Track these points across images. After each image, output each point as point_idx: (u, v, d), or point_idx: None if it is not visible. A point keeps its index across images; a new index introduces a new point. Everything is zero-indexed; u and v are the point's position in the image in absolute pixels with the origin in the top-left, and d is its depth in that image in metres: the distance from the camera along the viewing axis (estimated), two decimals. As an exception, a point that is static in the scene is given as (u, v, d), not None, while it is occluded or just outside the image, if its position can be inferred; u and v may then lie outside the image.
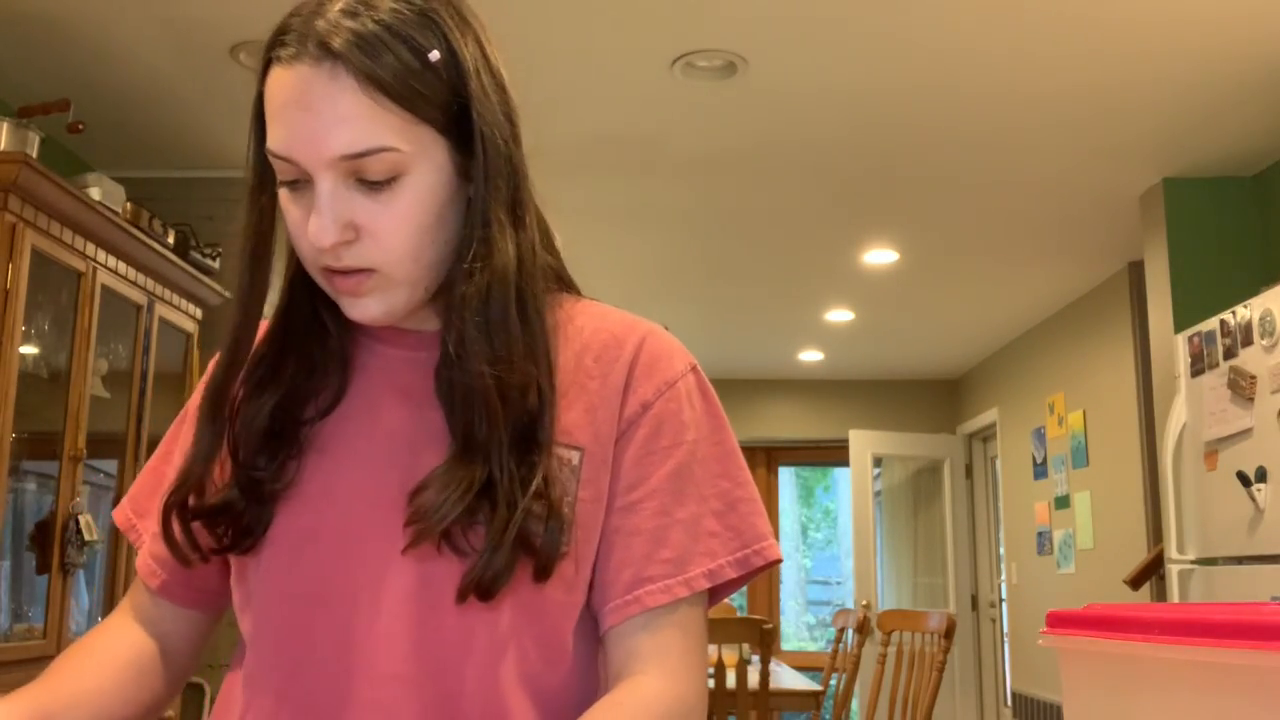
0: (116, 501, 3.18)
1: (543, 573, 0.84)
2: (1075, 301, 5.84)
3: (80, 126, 3.16)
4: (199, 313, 3.70)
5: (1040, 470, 6.31)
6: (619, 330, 0.94)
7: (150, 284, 3.34)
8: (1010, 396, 6.85)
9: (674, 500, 0.89)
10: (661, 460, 0.89)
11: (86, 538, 2.88)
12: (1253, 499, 3.04)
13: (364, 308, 0.86)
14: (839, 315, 6.22)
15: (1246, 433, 3.07)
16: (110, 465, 3.23)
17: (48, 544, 2.82)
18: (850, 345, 6.92)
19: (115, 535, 3.18)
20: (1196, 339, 3.37)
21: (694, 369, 0.95)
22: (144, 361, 3.33)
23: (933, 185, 4.28)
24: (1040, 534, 6.27)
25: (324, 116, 0.80)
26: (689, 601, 0.87)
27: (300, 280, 0.92)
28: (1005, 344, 6.92)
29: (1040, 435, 6.32)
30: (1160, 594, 4.41)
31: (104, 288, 3.05)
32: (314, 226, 0.81)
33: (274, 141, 0.82)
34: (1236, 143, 3.87)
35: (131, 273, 3.22)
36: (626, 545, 0.88)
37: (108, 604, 3.15)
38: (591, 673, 0.91)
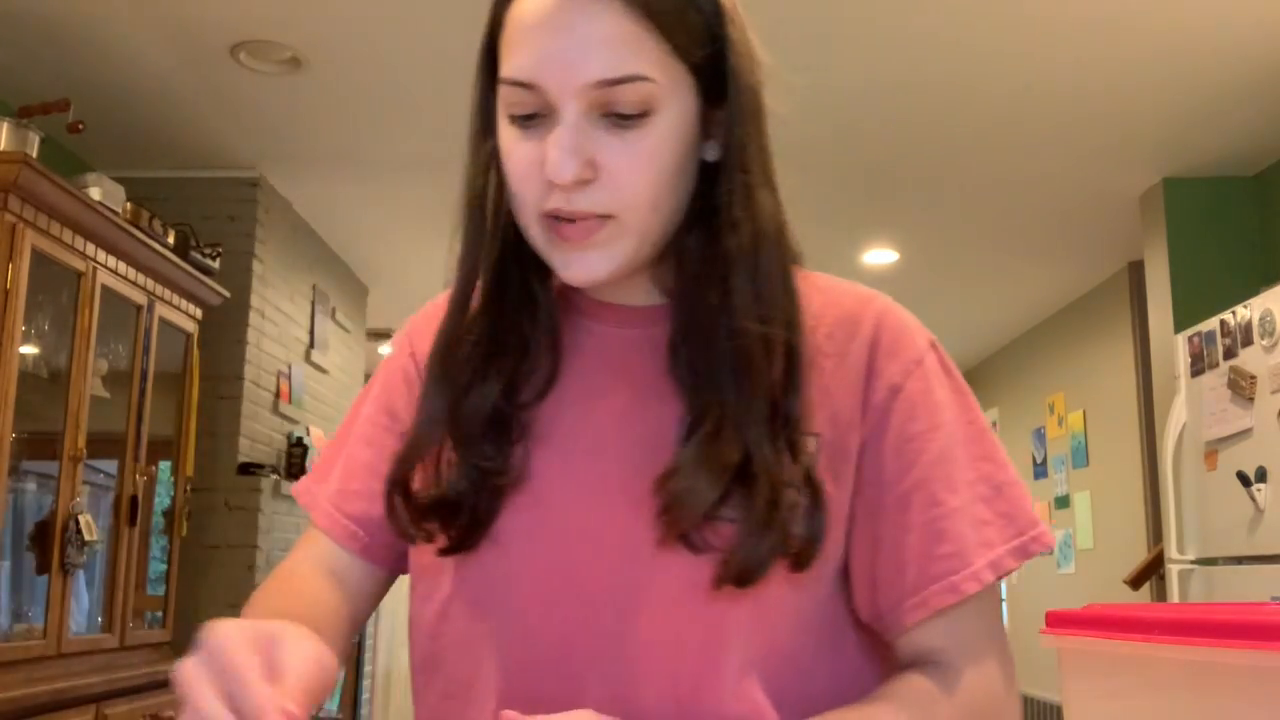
0: (116, 501, 3.19)
1: (802, 562, 0.78)
2: (1075, 301, 5.84)
3: (80, 126, 3.16)
4: (199, 313, 3.70)
5: (1040, 470, 6.31)
6: (851, 304, 0.86)
7: (150, 284, 3.34)
8: (1010, 396, 6.85)
9: (943, 488, 0.81)
10: (921, 447, 0.82)
11: (86, 538, 2.88)
12: (1253, 499, 3.04)
13: (587, 264, 0.79)
14: (839, 315, 6.21)
15: (1246, 433, 3.07)
16: (110, 465, 3.23)
17: (48, 544, 2.82)
18: (850, 345, 6.92)
19: (115, 535, 3.18)
20: (1196, 339, 3.37)
21: (934, 344, 0.87)
22: (144, 361, 3.33)
23: (933, 185, 4.28)
24: (1040, 534, 6.27)
25: (583, 38, 0.74)
26: (979, 593, 0.80)
27: (512, 247, 0.84)
28: (1005, 344, 6.92)
29: (1040, 435, 6.32)
30: (1160, 594, 4.41)
31: (104, 288, 3.05)
32: (554, 159, 0.75)
33: (517, 67, 0.77)
34: (1236, 143, 3.87)
35: (131, 273, 3.21)
36: (901, 543, 0.81)
37: (108, 604, 3.15)
38: (836, 668, 0.84)
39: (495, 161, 0.82)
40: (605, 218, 0.77)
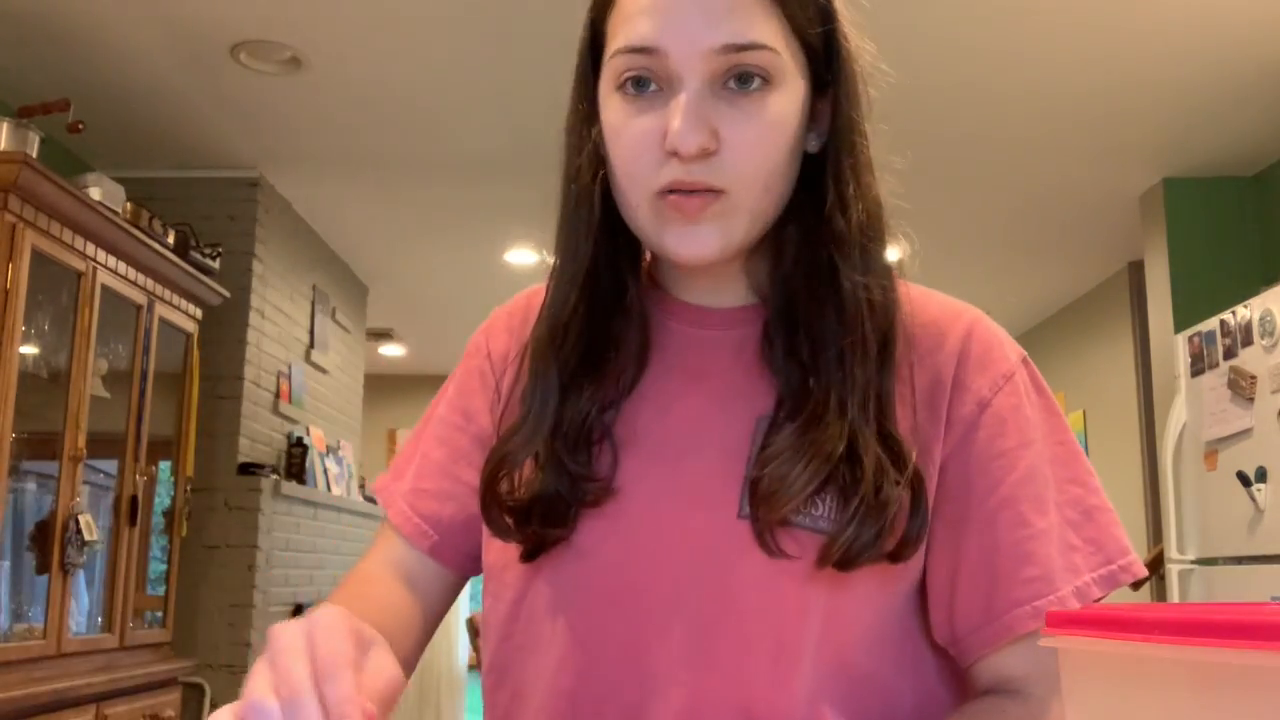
0: (116, 501, 3.19)
1: (903, 553, 0.76)
2: (1075, 301, 5.84)
3: (80, 126, 3.16)
4: (199, 312, 3.70)
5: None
6: (940, 316, 0.85)
7: (150, 284, 3.34)
8: (1010, 396, 6.86)
9: (1031, 509, 0.78)
10: (1009, 466, 0.79)
11: (86, 538, 2.88)
12: (1253, 499, 3.04)
13: (700, 239, 0.76)
14: (839, 315, 6.22)
15: (1246, 433, 3.07)
16: (110, 465, 3.23)
17: (48, 544, 2.82)
18: (850, 345, 6.93)
19: (115, 535, 3.18)
20: (1196, 339, 3.37)
21: (1026, 360, 0.84)
22: (144, 361, 3.33)
23: (933, 185, 4.28)
24: (1040, 534, 6.28)
25: (709, 5, 0.74)
26: None
27: (605, 239, 0.82)
28: (1005, 344, 6.92)
29: (1040, 435, 6.32)
30: (1160, 594, 4.41)
31: (104, 288, 3.05)
32: (678, 128, 0.73)
33: (639, 35, 0.75)
34: (1236, 143, 3.87)
35: (131, 273, 3.21)
36: (985, 562, 0.78)
37: (108, 604, 3.15)
38: (921, 691, 0.81)
39: (598, 148, 0.80)
40: (719, 192, 0.76)
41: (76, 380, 2.93)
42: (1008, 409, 0.81)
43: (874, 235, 0.80)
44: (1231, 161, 4.03)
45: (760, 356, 0.81)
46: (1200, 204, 4.16)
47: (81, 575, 3.01)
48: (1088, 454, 5.22)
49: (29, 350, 2.83)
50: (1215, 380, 3.23)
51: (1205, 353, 3.31)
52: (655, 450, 0.81)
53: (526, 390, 0.84)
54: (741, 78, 0.75)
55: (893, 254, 0.87)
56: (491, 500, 0.82)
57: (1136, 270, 5.05)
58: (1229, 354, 3.17)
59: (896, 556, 0.76)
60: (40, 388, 2.87)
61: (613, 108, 0.78)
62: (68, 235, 2.87)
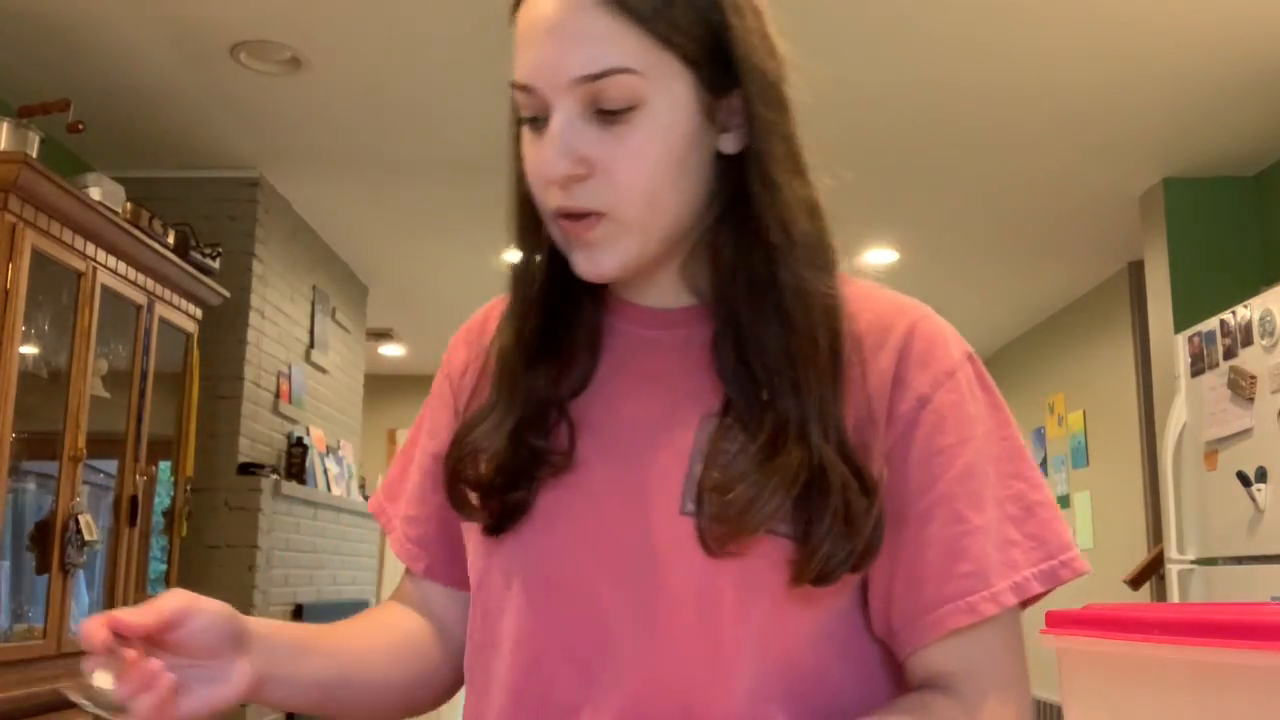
0: (116, 501, 3.19)
1: (863, 564, 0.76)
2: (1075, 301, 5.84)
3: (80, 126, 3.16)
4: (199, 313, 3.70)
5: (1040, 470, 6.31)
6: (885, 312, 0.85)
7: (150, 284, 3.34)
8: (1010, 396, 6.83)
9: (968, 505, 0.79)
10: (949, 461, 0.79)
11: (86, 538, 2.88)
12: (1253, 499, 3.04)
13: (595, 260, 0.80)
14: (839, 315, 6.21)
15: (1246, 433, 3.07)
16: (110, 465, 3.23)
17: (48, 544, 2.82)
18: (850, 345, 6.92)
19: (115, 535, 3.18)
20: (1196, 339, 3.37)
21: (971, 357, 0.85)
22: (144, 361, 3.33)
23: (933, 185, 4.28)
24: (1040, 534, 6.28)
25: (565, 38, 0.76)
26: (999, 618, 0.78)
27: (557, 253, 0.85)
28: (1005, 344, 6.92)
29: (1040, 435, 6.32)
30: (1160, 594, 4.41)
31: (104, 288, 3.05)
32: (545, 157, 0.77)
33: (517, 71, 0.79)
34: (1236, 143, 3.87)
35: (131, 273, 3.21)
36: (920, 558, 0.78)
37: (108, 604, 3.14)
38: (869, 687, 0.82)
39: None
40: (601, 215, 0.78)
41: (76, 380, 2.93)
42: (948, 406, 0.81)
43: (807, 236, 0.80)
44: (1231, 161, 4.03)
45: (707, 358, 0.83)
46: (1200, 204, 4.16)
47: (81, 575, 3.01)
48: (1088, 453, 5.17)
49: (29, 350, 2.82)
50: (1215, 380, 3.23)
51: (1205, 353, 3.31)
52: (605, 444, 0.83)
53: (492, 384, 0.87)
54: (606, 103, 0.77)
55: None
56: (456, 479, 0.85)
57: (1136, 270, 5.05)
58: (1229, 354, 3.17)
59: (857, 567, 0.77)
60: (40, 388, 2.87)
61: (521, 136, 0.82)
62: (68, 235, 2.87)
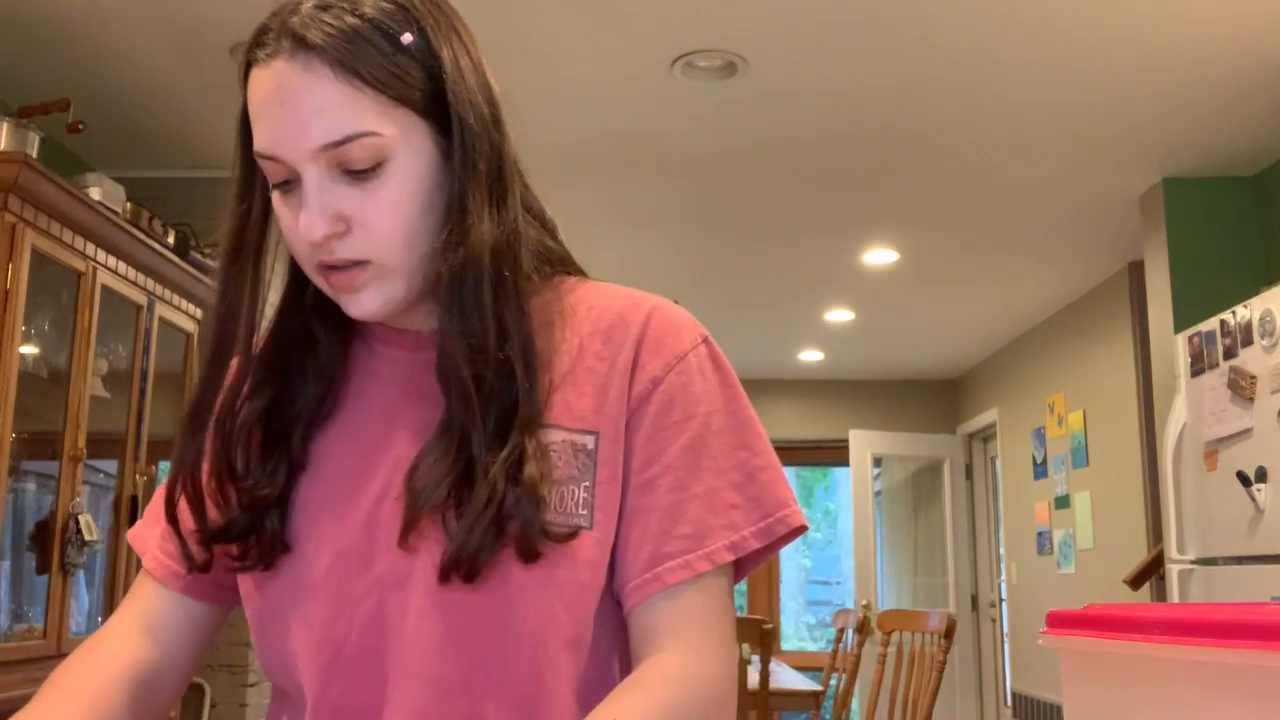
0: (117, 501, 3.19)
1: (526, 554, 0.82)
2: (1075, 301, 5.84)
3: (80, 126, 3.16)
4: (199, 313, 3.70)
5: (1040, 470, 6.31)
6: (624, 308, 0.92)
7: (150, 284, 3.34)
8: (1010, 396, 6.85)
9: (689, 475, 0.87)
10: (674, 435, 0.88)
11: (86, 538, 2.88)
12: (1253, 499, 3.04)
13: (363, 303, 0.85)
14: (839, 315, 6.22)
15: (1246, 433, 3.07)
16: (110, 465, 3.23)
17: (48, 544, 2.82)
18: (850, 345, 6.92)
19: (115, 535, 3.18)
20: (1196, 339, 3.37)
21: (705, 340, 0.93)
22: (144, 361, 3.33)
23: (933, 185, 4.28)
24: (1040, 534, 6.27)
25: (302, 108, 0.80)
26: (712, 575, 0.85)
27: (293, 294, 0.93)
28: (1005, 344, 6.92)
29: (1040, 435, 6.32)
30: (1160, 594, 4.41)
31: (104, 288, 3.05)
32: (304, 221, 0.82)
33: (259, 142, 0.83)
34: (1236, 143, 3.87)
35: (131, 273, 3.22)
36: (644, 523, 0.86)
37: (108, 604, 3.15)
38: (621, 657, 0.89)
39: (266, 218, 0.89)
40: (364, 263, 0.84)
41: (76, 380, 2.93)
42: (677, 387, 0.89)
43: (476, 270, 0.84)
44: (1231, 161, 4.03)
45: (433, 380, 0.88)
46: (1200, 204, 4.16)
47: (81, 575, 3.01)
48: (1088, 453, 5.18)
49: (29, 350, 2.83)
50: (1215, 380, 3.23)
51: (1205, 353, 3.31)
52: (360, 465, 0.89)
53: (179, 428, 0.93)
54: (353, 164, 0.81)
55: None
56: (175, 531, 0.93)
57: (1136, 270, 5.05)
58: (1229, 354, 3.18)
59: (525, 557, 0.82)
60: (40, 388, 2.87)
61: (274, 200, 0.87)
62: (68, 235, 2.87)
